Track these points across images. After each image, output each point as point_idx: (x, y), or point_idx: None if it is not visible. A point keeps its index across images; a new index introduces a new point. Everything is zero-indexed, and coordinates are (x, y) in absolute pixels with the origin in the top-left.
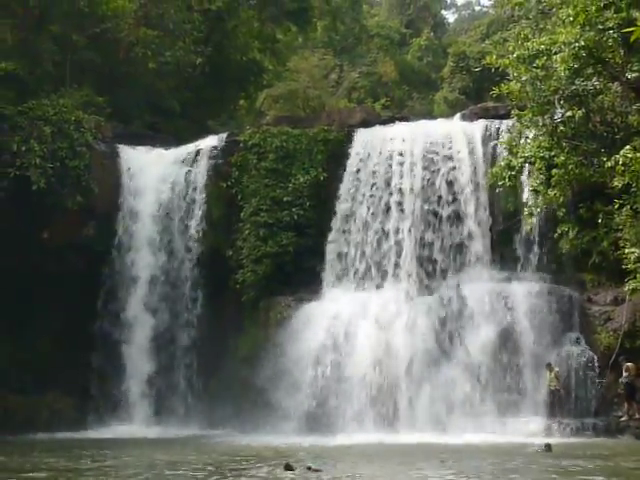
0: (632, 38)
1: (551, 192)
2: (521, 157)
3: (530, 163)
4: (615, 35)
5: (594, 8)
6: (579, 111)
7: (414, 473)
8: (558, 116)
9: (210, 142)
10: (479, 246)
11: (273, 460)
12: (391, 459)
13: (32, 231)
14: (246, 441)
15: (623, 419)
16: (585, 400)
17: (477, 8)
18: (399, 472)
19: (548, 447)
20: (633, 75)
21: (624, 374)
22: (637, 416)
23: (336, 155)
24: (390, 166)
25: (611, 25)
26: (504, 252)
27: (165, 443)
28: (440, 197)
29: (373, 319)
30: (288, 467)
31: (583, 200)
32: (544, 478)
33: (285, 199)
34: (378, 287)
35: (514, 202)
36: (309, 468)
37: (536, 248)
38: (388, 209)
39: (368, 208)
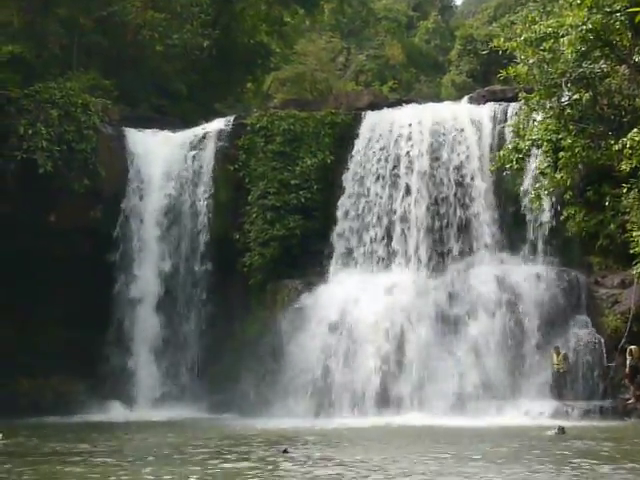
0: (638, 18)
1: (558, 175)
2: (528, 140)
3: (537, 146)
4: (622, 18)
5: None
6: (586, 94)
7: (429, 457)
8: (565, 99)
9: (217, 125)
10: (486, 229)
11: (276, 443)
12: (400, 442)
13: (39, 214)
14: (251, 424)
15: (630, 402)
16: (592, 383)
17: None
18: (411, 456)
19: (562, 430)
20: None
21: (628, 357)
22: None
23: (344, 138)
24: (397, 149)
25: (618, 8)
26: (511, 235)
27: (170, 426)
28: (448, 180)
29: (380, 302)
30: (286, 452)
31: (590, 183)
32: (564, 460)
33: (292, 182)
34: (385, 270)
35: (521, 185)
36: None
37: (543, 231)
38: (396, 192)
39: (375, 191)
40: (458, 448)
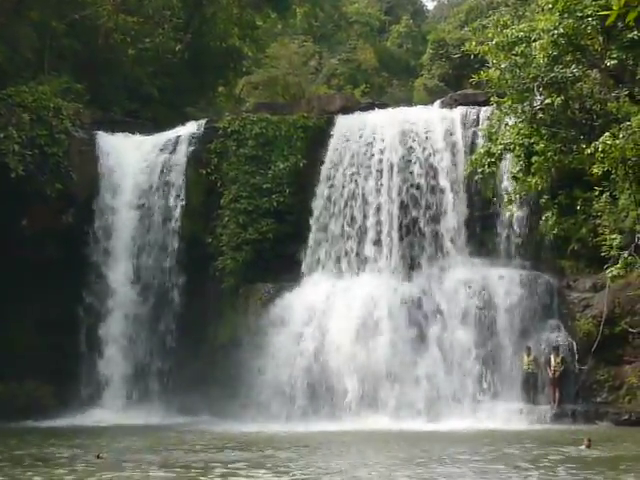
0: (608, 21)
1: (530, 179)
2: (500, 144)
3: (509, 150)
4: (594, 22)
5: None
6: (558, 98)
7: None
8: (537, 103)
9: (189, 129)
10: (458, 233)
11: (224, 448)
12: (374, 447)
13: (11, 218)
14: (223, 428)
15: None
16: (564, 386)
17: None
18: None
19: (589, 442)
20: (612, 62)
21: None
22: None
23: (316, 142)
24: (369, 153)
25: (590, 12)
26: (483, 239)
27: (142, 430)
28: (419, 184)
29: (353, 306)
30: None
31: (562, 187)
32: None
33: (265, 186)
34: (358, 274)
35: (493, 189)
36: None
37: (515, 235)
38: (367, 196)
39: (347, 195)
40: (432, 451)
